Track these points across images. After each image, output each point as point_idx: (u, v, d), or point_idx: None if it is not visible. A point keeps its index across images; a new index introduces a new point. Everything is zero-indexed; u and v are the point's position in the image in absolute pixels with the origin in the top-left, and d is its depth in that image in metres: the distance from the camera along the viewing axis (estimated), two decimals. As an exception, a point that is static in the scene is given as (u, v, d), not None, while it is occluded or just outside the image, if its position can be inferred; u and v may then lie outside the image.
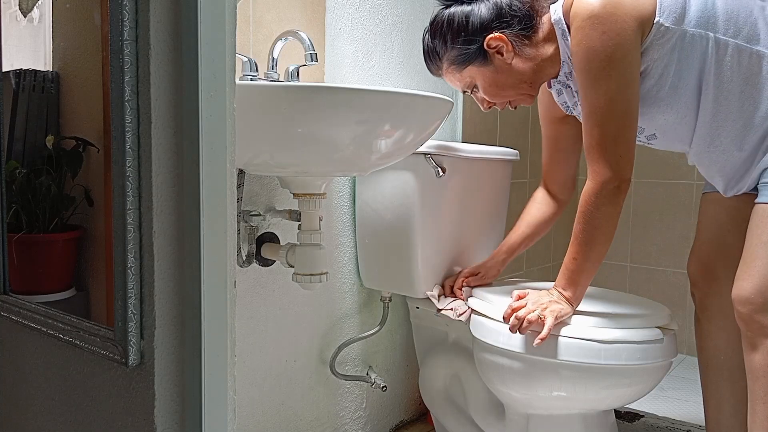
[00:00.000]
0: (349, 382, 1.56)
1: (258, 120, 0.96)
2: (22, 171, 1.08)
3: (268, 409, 1.37)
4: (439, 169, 1.40)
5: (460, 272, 1.50)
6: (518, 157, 1.66)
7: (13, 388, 1.07)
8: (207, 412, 0.75)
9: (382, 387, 1.56)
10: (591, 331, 1.18)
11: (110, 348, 0.81)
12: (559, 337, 1.18)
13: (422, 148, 1.36)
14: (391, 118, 1.03)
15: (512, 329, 1.18)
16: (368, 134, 1.03)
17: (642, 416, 1.63)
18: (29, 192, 1.06)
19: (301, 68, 1.23)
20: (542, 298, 1.20)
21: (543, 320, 1.16)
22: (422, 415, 1.78)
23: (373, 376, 1.58)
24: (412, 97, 1.05)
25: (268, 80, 1.21)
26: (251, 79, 1.18)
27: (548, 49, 1.19)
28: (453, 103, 1.14)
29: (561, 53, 1.19)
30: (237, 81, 0.79)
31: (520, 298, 1.22)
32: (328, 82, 1.43)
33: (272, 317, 1.36)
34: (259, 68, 1.21)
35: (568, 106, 1.29)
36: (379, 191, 1.46)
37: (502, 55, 1.18)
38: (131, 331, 0.77)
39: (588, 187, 1.15)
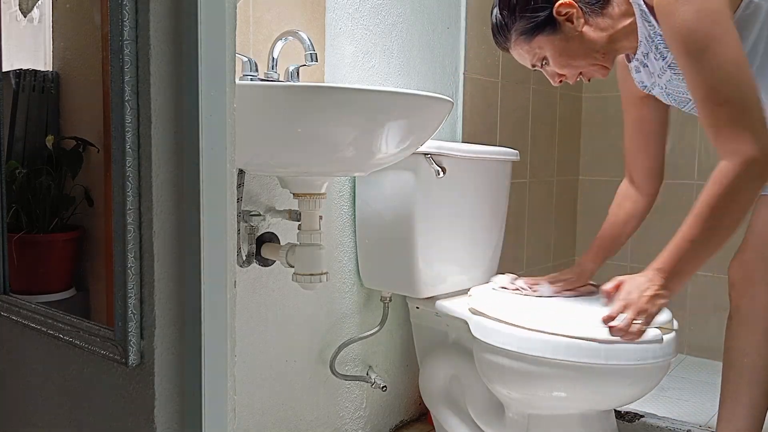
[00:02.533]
0: (349, 382, 1.56)
1: (258, 120, 0.96)
2: (22, 171, 1.08)
3: (268, 409, 1.37)
4: (439, 169, 1.40)
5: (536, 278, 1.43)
6: (518, 157, 1.66)
7: (13, 388, 1.07)
8: (207, 412, 0.75)
9: (382, 387, 1.56)
10: (591, 331, 1.18)
11: (110, 348, 0.81)
12: (559, 337, 1.18)
13: (422, 148, 1.36)
14: (392, 118, 1.03)
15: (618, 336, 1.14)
16: (368, 134, 1.03)
17: (642, 416, 1.63)
18: (29, 192, 1.06)
19: (301, 68, 1.23)
20: (643, 290, 1.12)
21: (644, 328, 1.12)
22: (422, 415, 1.78)
23: (373, 376, 1.58)
24: (412, 97, 1.05)
25: (268, 80, 1.21)
26: (251, 79, 1.18)
27: (623, 22, 1.16)
28: (453, 103, 1.13)
29: (639, 33, 1.15)
30: (237, 81, 0.79)
31: (617, 287, 1.15)
32: (328, 82, 1.43)
33: (272, 317, 1.36)
34: (259, 68, 1.21)
35: (646, 86, 1.26)
36: (379, 191, 1.46)
37: (572, 22, 1.16)
38: (131, 331, 0.77)
39: (727, 167, 1.05)
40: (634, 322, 1.12)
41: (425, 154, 1.39)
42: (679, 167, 2.29)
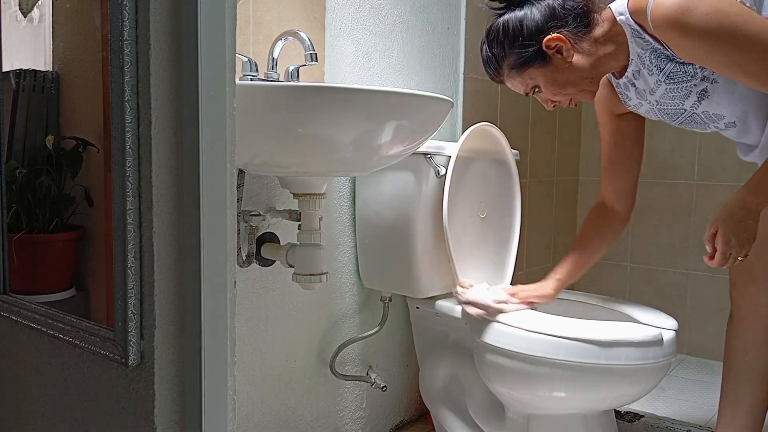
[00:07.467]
0: (349, 382, 1.56)
1: (258, 120, 0.96)
2: (22, 171, 1.08)
3: (268, 409, 1.37)
4: (439, 169, 1.40)
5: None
6: (518, 157, 1.66)
7: (13, 388, 1.07)
8: (207, 412, 0.75)
9: (382, 387, 1.56)
10: (591, 331, 1.18)
11: (110, 348, 0.81)
12: (559, 338, 1.18)
13: (422, 148, 1.36)
14: (392, 119, 1.03)
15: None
16: (368, 134, 1.03)
17: (642, 416, 1.63)
18: (29, 192, 1.06)
19: (301, 68, 1.23)
20: (741, 233, 1.13)
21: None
22: (422, 415, 1.77)
23: (373, 376, 1.58)
24: (412, 97, 1.05)
25: (268, 80, 1.21)
26: (251, 79, 1.18)
27: (609, 47, 1.18)
28: (453, 103, 1.14)
29: (631, 52, 1.17)
30: (237, 81, 0.79)
31: (714, 235, 1.14)
32: (328, 82, 1.43)
33: (272, 317, 1.36)
34: (259, 68, 1.21)
35: (632, 104, 1.28)
36: (379, 191, 1.46)
37: (561, 54, 1.18)
38: (131, 331, 0.77)
39: None
40: (738, 259, 1.14)
41: (425, 154, 1.39)
42: (679, 167, 2.29)
